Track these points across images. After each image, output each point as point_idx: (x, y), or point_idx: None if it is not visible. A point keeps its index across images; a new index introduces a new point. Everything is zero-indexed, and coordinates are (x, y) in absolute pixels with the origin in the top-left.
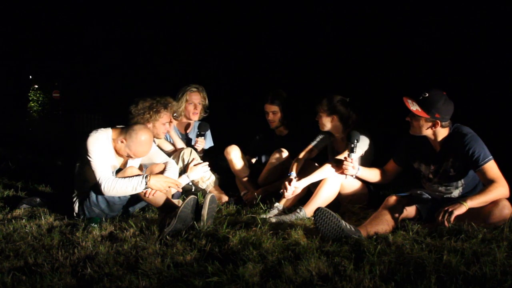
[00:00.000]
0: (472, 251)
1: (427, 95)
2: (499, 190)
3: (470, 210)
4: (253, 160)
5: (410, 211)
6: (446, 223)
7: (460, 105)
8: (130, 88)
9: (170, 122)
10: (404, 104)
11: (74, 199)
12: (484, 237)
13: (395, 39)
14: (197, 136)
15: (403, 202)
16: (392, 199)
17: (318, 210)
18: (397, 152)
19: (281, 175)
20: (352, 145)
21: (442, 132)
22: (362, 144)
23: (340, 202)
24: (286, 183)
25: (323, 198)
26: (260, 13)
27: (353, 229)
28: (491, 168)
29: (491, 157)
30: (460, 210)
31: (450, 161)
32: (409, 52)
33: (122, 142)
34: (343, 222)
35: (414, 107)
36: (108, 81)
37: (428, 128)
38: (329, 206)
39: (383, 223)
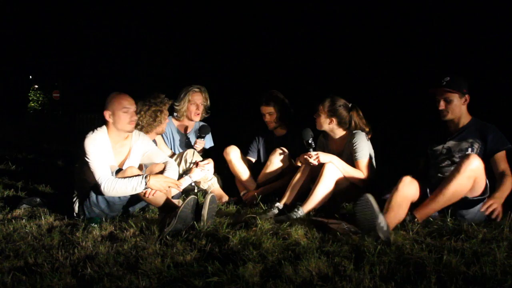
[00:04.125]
0: (472, 251)
1: (448, 78)
2: (510, 182)
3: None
4: (253, 160)
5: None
6: (498, 218)
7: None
8: (130, 88)
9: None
10: (433, 96)
11: (74, 199)
12: (484, 237)
13: (394, 40)
14: (197, 137)
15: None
16: (408, 179)
17: (364, 197)
18: (423, 146)
19: (281, 175)
20: (310, 141)
21: (465, 112)
22: (365, 147)
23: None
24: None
25: (319, 196)
26: (260, 14)
27: (385, 228)
28: (504, 158)
29: (505, 146)
30: (500, 204)
31: (469, 141)
32: (409, 53)
33: (109, 117)
34: (381, 218)
35: (447, 90)
36: (108, 81)
37: (462, 104)
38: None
39: (403, 207)
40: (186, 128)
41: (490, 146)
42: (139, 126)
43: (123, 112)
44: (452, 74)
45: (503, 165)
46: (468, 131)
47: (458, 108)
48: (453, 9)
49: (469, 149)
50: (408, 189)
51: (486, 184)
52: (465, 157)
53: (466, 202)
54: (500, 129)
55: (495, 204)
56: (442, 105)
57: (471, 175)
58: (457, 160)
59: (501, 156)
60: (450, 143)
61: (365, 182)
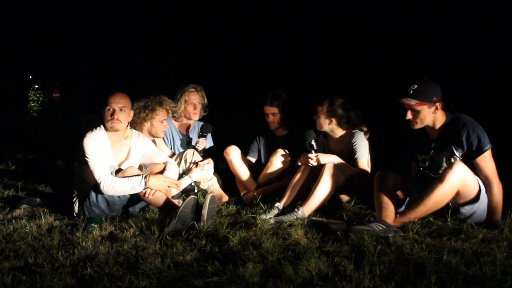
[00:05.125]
0: (472, 251)
1: (416, 86)
2: (495, 189)
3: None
4: (253, 161)
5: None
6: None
7: (460, 103)
8: (130, 88)
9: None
10: (402, 106)
11: (74, 199)
12: (484, 237)
13: (394, 40)
14: (199, 136)
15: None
16: (378, 174)
17: (353, 230)
18: (409, 152)
19: (281, 175)
20: (312, 143)
21: (440, 118)
22: (364, 146)
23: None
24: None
25: (319, 196)
26: (260, 14)
27: (384, 226)
28: (486, 161)
29: (487, 147)
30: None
31: (449, 150)
32: (409, 53)
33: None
34: (376, 228)
35: (413, 102)
36: (108, 81)
37: (431, 114)
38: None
39: (389, 197)
40: (187, 127)
41: (467, 152)
42: (134, 124)
43: (106, 109)
44: (420, 80)
45: (484, 170)
46: (446, 136)
47: (428, 118)
48: (453, 9)
49: (452, 159)
50: (384, 180)
51: (479, 190)
52: (449, 166)
53: (454, 209)
54: (492, 127)
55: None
56: (408, 115)
57: (454, 185)
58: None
59: (481, 160)
60: (433, 154)
61: (365, 182)
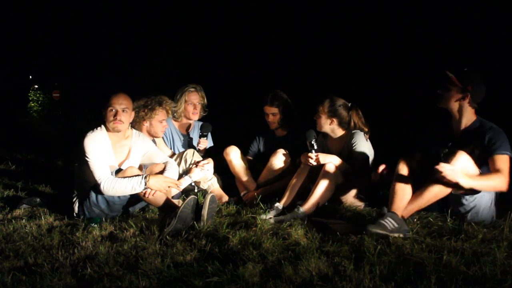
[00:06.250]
0: (472, 251)
1: (465, 69)
2: (498, 179)
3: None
4: (253, 161)
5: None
6: (439, 173)
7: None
8: (130, 88)
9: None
10: (443, 77)
11: (74, 199)
12: (484, 237)
13: (395, 40)
14: (200, 136)
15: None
16: (402, 161)
17: (369, 233)
18: (425, 145)
19: (281, 175)
20: (312, 142)
21: (468, 113)
22: (364, 146)
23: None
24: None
25: (319, 196)
26: (261, 14)
27: (396, 224)
28: (504, 160)
29: (508, 153)
30: (457, 179)
31: (469, 149)
32: (410, 52)
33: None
34: (388, 226)
35: (451, 75)
36: (108, 81)
37: (457, 100)
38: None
39: (407, 188)
40: (187, 127)
41: (487, 147)
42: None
43: (109, 110)
44: (474, 69)
45: (499, 166)
46: (469, 134)
47: (452, 102)
48: (456, 6)
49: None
50: (407, 167)
51: None
52: (452, 154)
53: (455, 199)
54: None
55: (450, 174)
56: (440, 90)
57: None
58: None
59: (498, 158)
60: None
61: (364, 182)
